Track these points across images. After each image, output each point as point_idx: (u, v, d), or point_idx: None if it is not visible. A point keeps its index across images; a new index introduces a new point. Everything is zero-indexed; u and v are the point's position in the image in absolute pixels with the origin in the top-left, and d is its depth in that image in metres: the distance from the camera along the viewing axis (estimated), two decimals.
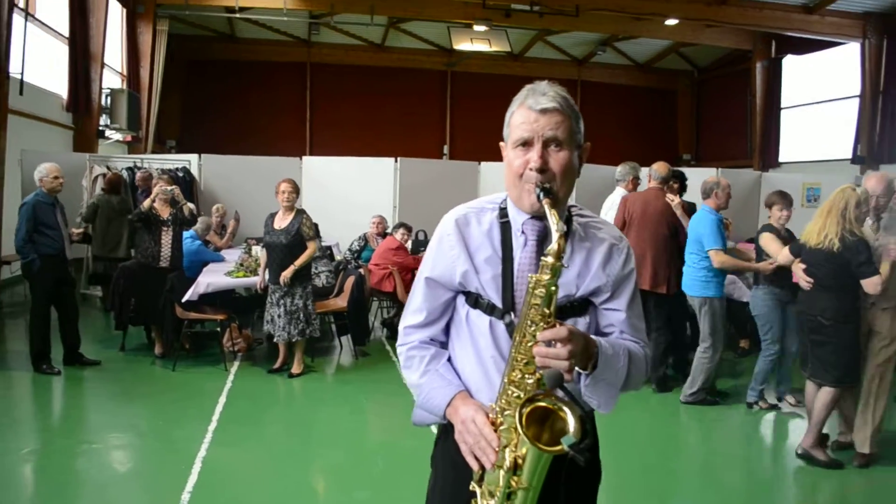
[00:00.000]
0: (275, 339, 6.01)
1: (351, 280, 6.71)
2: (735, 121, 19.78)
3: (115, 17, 13.04)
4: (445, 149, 20.46)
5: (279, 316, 5.86)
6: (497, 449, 1.43)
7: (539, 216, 1.59)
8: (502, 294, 1.59)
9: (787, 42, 17.14)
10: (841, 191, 4.30)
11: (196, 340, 6.88)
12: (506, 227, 1.63)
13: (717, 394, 5.73)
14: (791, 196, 5.46)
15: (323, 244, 8.22)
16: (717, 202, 5.47)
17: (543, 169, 1.52)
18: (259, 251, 6.75)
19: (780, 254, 4.93)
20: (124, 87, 13.41)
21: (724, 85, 20.98)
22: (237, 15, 14.71)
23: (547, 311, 1.41)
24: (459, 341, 1.68)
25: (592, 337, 1.52)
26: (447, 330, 1.73)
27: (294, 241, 5.76)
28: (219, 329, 6.60)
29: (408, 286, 7.14)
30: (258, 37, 18.17)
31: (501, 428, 1.45)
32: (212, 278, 6.31)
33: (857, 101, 15.65)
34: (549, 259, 1.41)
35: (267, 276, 6.02)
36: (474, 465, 1.49)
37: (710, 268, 5.36)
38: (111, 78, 13.32)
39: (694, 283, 5.49)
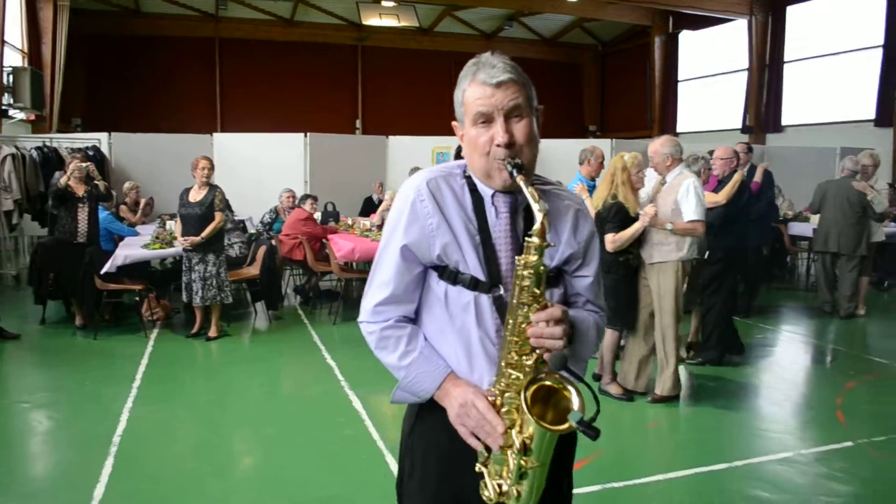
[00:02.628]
0: (192, 304, 6.40)
1: (262, 250, 7.16)
2: (637, 93, 20.74)
3: None
4: (358, 123, 20.69)
5: (194, 281, 6.30)
6: (503, 432, 1.44)
7: (508, 190, 1.57)
8: (486, 267, 1.55)
9: (684, 18, 18.08)
10: (614, 158, 4.93)
11: (116, 311, 7.20)
12: (477, 197, 1.59)
13: None
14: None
15: (236, 218, 8.62)
16: (589, 170, 5.93)
17: (510, 143, 1.50)
18: (172, 224, 7.12)
19: None
20: (26, 64, 13.17)
21: (626, 59, 21.92)
22: None
23: (537, 292, 1.42)
24: (436, 321, 1.62)
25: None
26: (416, 309, 1.67)
27: (207, 212, 6.21)
28: (137, 299, 6.92)
29: (316, 254, 7.64)
30: (164, 11, 17.84)
31: (503, 410, 1.46)
32: (129, 251, 6.65)
33: (745, 74, 16.79)
34: (535, 239, 1.41)
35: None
36: (478, 446, 1.49)
37: None
38: (12, 56, 13.02)
39: None
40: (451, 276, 1.56)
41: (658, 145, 4.89)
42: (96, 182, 6.68)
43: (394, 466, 3.76)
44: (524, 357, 1.43)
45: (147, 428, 4.39)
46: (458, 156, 6.50)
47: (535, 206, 1.41)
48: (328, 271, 7.70)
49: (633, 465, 3.79)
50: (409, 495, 1.70)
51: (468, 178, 1.60)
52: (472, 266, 1.55)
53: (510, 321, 1.44)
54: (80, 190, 6.54)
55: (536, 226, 1.41)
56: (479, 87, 1.52)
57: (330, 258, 7.43)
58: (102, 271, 6.36)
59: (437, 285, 1.59)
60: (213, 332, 6.46)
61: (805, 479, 3.68)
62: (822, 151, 13.14)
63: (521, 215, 1.58)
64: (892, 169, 13.37)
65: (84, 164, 6.63)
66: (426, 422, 1.64)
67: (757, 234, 7.11)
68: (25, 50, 13.58)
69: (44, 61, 13.61)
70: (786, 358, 6.17)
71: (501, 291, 1.53)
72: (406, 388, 1.62)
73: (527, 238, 1.42)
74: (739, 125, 16.90)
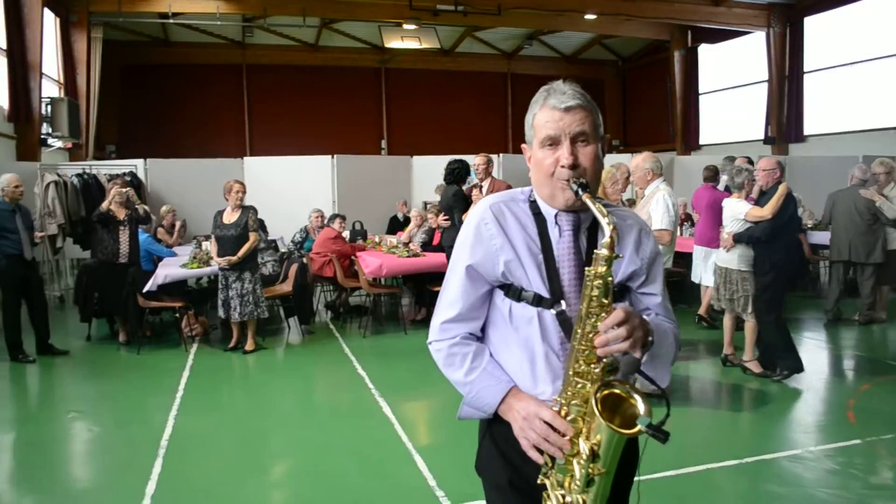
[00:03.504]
0: (230, 320, 6.73)
1: (294, 267, 7.48)
2: (658, 107, 20.93)
3: (50, 27, 13.31)
4: (383, 143, 21.09)
5: (232, 298, 6.62)
6: (571, 438, 1.47)
7: (571, 210, 1.62)
8: (549, 284, 1.60)
9: (702, 32, 18.23)
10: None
11: (156, 328, 7.54)
12: (540, 219, 1.65)
13: None
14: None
15: (269, 238, 8.98)
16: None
17: (575, 165, 1.56)
18: (208, 245, 7.48)
19: None
20: (62, 94, 13.71)
21: (646, 73, 22.12)
22: (170, 20, 15.12)
23: (605, 302, 1.45)
24: (501, 337, 1.67)
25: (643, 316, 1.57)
26: (483, 327, 1.73)
27: (243, 233, 6.55)
28: (177, 315, 7.27)
29: (346, 271, 7.95)
30: (192, 40, 18.45)
31: (569, 418, 1.48)
32: (169, 270, 7.01)
33: (765, 85, 16.90)
34: (604, 251, 1.45)
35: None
36: (539, 460, 1.52)
37: None
38: (49, 86, 13.59)
39: None
40: (516, 293, 1.62)
41: (639, 160, 5.30)
42: (136, 206, 7.05)
43: (423, 466, 4.02)
44: (592, 366, 1.46)
45: (192, 432, 4.69)
46: (453, 175, 6.82)
47: (603, 221, 1.47)
48: (357, 287, 8.00)
49: (645, 462, 3.98)
50: None
51: (532, 203, 1.67)
52: (535, 283, 1.61)
53: (578, 331, 1.47)
54: (121, 214, 6.92)
55: (605, 238, 1.45)
56: (549, 111, 1.59)
57: (359, 274, 7.73)
58: (144, 290, 6.72)
59: (503, 303, 1.65)
60: (249, 346, 6.77)
61: (811, 475, 3.86)
62: (843, 160, 13.19)
63: (584, 234, 1.63)
64: None
65: (124, 190, 7.01)
66: (497, 438, 1.69)
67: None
68: (61, 80, 14.14)
69: (79, 91, 14.16)
70: (804, 363, 6.31)
71: (564, 307, 1.58)
72: (471, 403, 1.67)
73: (595, 251, 1.47)
74: (762, 136, 17.00)
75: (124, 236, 6.95)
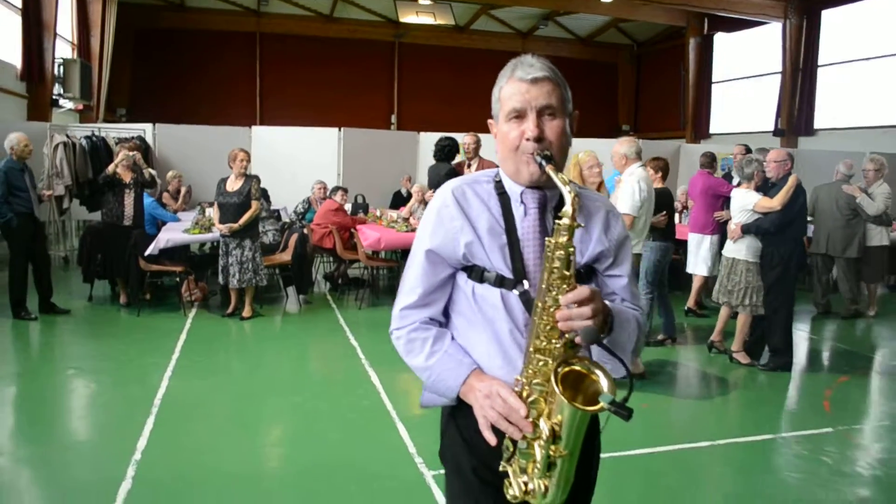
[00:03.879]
0: (229, 286, 6.87)
1: (294, 237, 7.60)
2: (671, 94, 20.79)
3: None
4: (393, 118, 21.11)
5: (231, 265, 6.75)
6: (526, 415, 1.42)
7: (536, 186, 1.58)
8: (511, 264, 1.56)
9: (719, 20, 18.11)
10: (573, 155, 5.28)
11: (157, 292, 7.69)
12: (504, 199, 1.61)
13: None
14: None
15: (271, 207, 9.09)
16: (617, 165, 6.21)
17: (540, 138, 1.52)
18: (211, 212, 7.59)
19: None
20: (75, 56, 13.79)
21: (661, 59, 21.99)
22: None
23: (567, 274, 1.41)
24: (467, 320, 1.63)
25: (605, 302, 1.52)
26: (444, 312, 1.69)
27: (245, 201, 6.67)
28: (178, 280, 7.40)
29: (345, 243, 8.06)
30: (208, 6, 18.47)
31: (531, 399, 1.43)
32: (171, 235, 7.14)
33: (778, 77, 16.83)
34: (565, 221, 1.41)
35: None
36: (492, 440, 1.47)
37: None
38: (63, 47, 13.66)
39: None
40: (478, 274, 1.58)
41: (617, 146, 5.39)
42: (143, 170, 7.17)
43: (405, 434, 4.15)
44: (553, 341, 1.41)
45: (185, 393, 4.83)
46: (443, 153, 6.81)
47: (564, 189, 1.43)
48: (356, 259, 8.12)
49: (619, 440, 4.08)
50: (454, 499, 1.71)
51: (498, 182, 1.63)
52: (497, 264, 1.56)
53: (539, 305, 1.43)
54: (128, 177, 7.03)
55: (566, 207, 1.42)
56: (516, 83, 1.55)
57: (357, 247, 7.84)
58: (146, 253, 6.85)
59: (466, 284, 1.61)
60: (246, 313, 6.91)
61: (780, 459, 3.98)
62: (850, 156, 13.17)
63: (550, 213, 1.59)
64: None
65: (131, 153, 7.12)
66: (459, 423, 1.66)
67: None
68: (75, 42, 14.21)
69: (92, 53, 14.23)
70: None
71: (527, 287, 1.53)
72: (432, 388, 1.64)
73: (557, 221, 1.43)
74: (772, 128, 16.95)
75: (129, 199, 7.07)
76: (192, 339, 6.19)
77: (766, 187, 5.81)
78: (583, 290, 1.38)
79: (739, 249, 5.72)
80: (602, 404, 1.32)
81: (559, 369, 1.38)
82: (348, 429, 4.32)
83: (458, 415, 1.64)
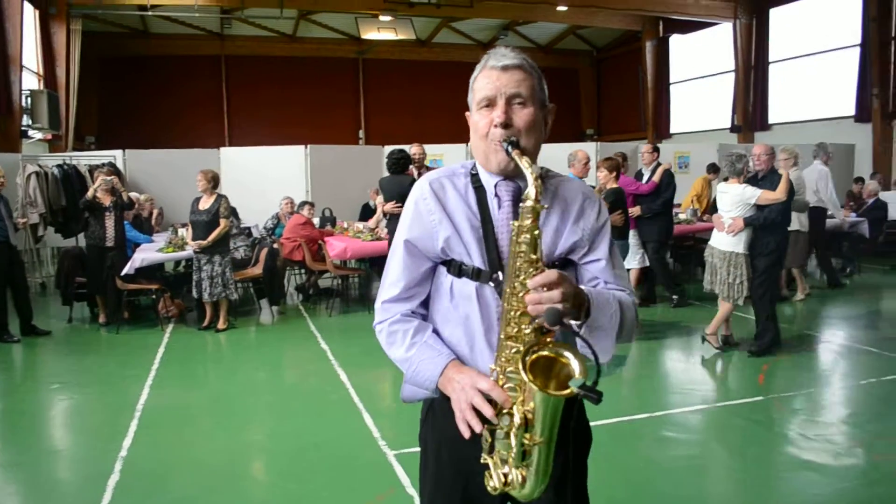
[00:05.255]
0: (202, 299, 7.21)
1: (265, 251, 7.95)
2: (631, 96, 21.39)
3: (29, 19, 13.47)
4: (361, 132, 21.46)
5: (203, 280, 7.10)
6: (499, 411, 1.41)
7: (510, 176, 1.58)
8: (487, 255, 1.57)
9: (673, 22, 18.75)
10: None
11: (134, 311, 7.98)
12: (480, 192, 1.61)
13: None
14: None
15: (242, 225, 9.42)
16: (577, 171, 6.42)
17: (507, 124, 1.51)
18: (183, 232, 7.93)
19: None
20: (42, 86, 13.98)
21: (620, 63, 22.57)
22: (149, 13, 15.39)
23: (534, 257, 1.40)
24: (443, 314, 1.65)
25: (580, 286, 1.51)
26: (425, 304, 1.70)
27: (213, 219, 7.02)
28: (154, 297, 7.70)
29: (314, 255, 8.40)
30: (171, 31, 18.68)
31: (507, 387, 1.42)
32: (146, 254, 7.46)
33: (733, 75, 17.42)
34: (528, 203, 1.40)
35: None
36: (466, 433, 1.45)
37: None
38: (28, 78, 13.80)
39: None
40: (456, 268, 1.59)
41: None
42: (121, 193, 7.48)
43: (370, 422, 4.51)
44: (523, 327, 1.41)
45: (166, 399, 5.16)
46: (398, 165, 7.06)
47: (527, 172, 1.43)
48: (325, 270, 8.46)
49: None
50: (426, 486, 1.74)
51: (474, 175, 1.64)
52: (475, 257, 1.58)
53: (507, 290, 1.43)
54: (107, 200, 7.33)
55: (529, 189, 1.41)
56: (487, 71, 1.55)
57: (326, 257, 8.18)
58: (122, 273, 7.15)
59: (445, 279, 1.63)
60: (221, 325, 7.23)
61: (710, 424, 4.41)
62: (802, 148, 13.69)
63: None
64: (873, 162, 13.99)
65: (109, 178, 7.43)
66: (438, 413, 1.66)
67: (656, 230, 7.56)
68: (41, 73, 14.38)
69: (58, 83, 14.36)
70: (734, 334, 6.82)
71: (501, 277, 1.52)
72: (411, 380, 1.63)
73: (521, 203, 1.43)
74: (729, 125, 17.53)
75: (110, 221, 7.37)
76: (171, 352, 6.50)
77: (754, 181, 5.92)
78: (550, 274, 1.37)
79: (738, 243, 5.73)
80: (572, 388, 1.30)
81: (527, 357, 1.36)
82: (318, 420, 4.68)
83: (437, 405, 1.66)
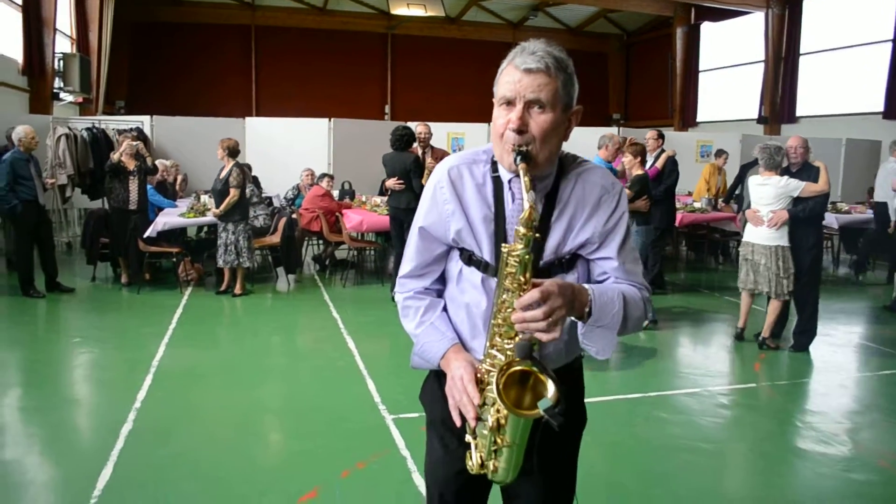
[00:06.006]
0: (218, 265, 7.47)
1: (283, 221, 8.13)
2: (660, 82, 21.23)
3: None
4: (387, 108, 21.57)
5: (220, 246, 7.33)
6: (477, 406, 1.48)
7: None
8: (495, 252, 1.58)
9: (705, 9, 18.54)
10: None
11: (155, 273, 8.23)
12: (497, 183, 1.62)
13: None
14: None
15: (264, 194, 9.61)
16: (607, 154, 6.51)
17: (522, 130, 1.50)
18: (206, 198, 8.16)
19: None
20: (74, 50, 14.23)
21: (650, 48, 22.42)
22: None
23: (522, 280, 1.42)
24: (450, 296, 1.72)
25: (584, 285, 1.53)
26: (441, 279, 1.75)
27: (224, 188, 7.25)
28: (174, 260, 7.93)
29: (332, 226, 8.58)
30: (203, 0, 18.96)
31: (488, 388, 1.47)
32: (168, 218, 7.69)
33: (762, 65, 17.28)
34: (521, 229, 1.42)
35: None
36: (458, 421, 1.55)
37: None
38: (62, 42, 14.06)
39: None
40: (466, 257, 1.64)
41: None
42: (145, 158, 7.69)
43: (372, 388, 4.70)
44: (507, 341, 1.46)
45: (180, 357, 5.38)
46: (402, 142, 7.14)
47: (525, 196, 1.42)
48: (341, 241, 8.65)
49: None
50: (426, 454, 1.83)
51: (494, 163, 1.64)
52: (486, 250, 1.60)
53: (495, 304, 1.47)
54: (131, 165, 7.55)
55: (523, 214, 1.42)
56: (512, 70, 1.53)
57: (342, 229, 8.36)
58: (145, 235, 7.38)
59: (455, 263, 1.68)
60: (237, 290, 7.45)
61: (702, 406, 4.53)
62: (826, 142, 13.67)
63: (540, 201, 1.59)
64: None
65: (135, 143, 7.64)
66: (439, 381, 1.73)
67: (657, 218, 7.36)
68: (74, 37, 14.64)
69: (91, 47, 14.62)
70: (728, 323, 6.88)
71: None
72: (419, 354, 1.72)
73: (516, 228, 1.43)
74: (756, 115, 17.40)
75: (134, 185, 7.59)
76: (188, 313, 6.73)
77: (787, 174, 5.76)
78: (532, 294, 1.39)
79: (783, 236, 5.61)
80: (538, 410, 1.35)
81: (502, 376, 1.42)
82: (323, 383, 4.89)
83: (436, 378, 1.75)
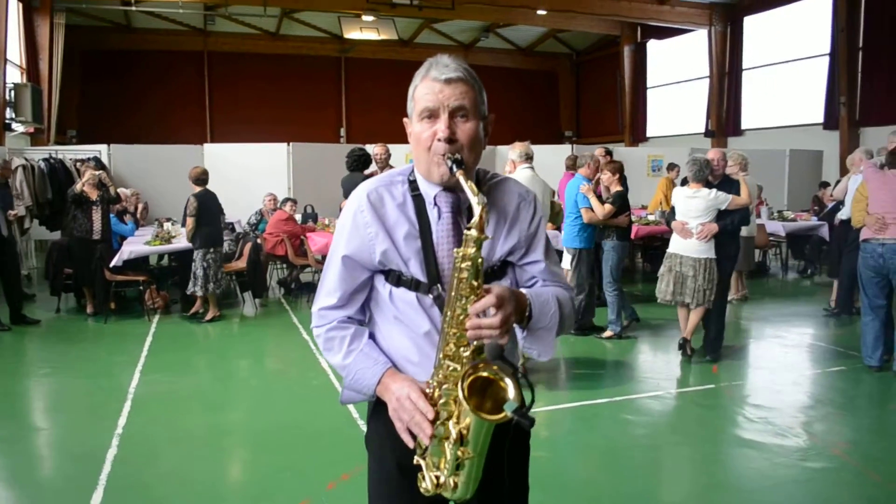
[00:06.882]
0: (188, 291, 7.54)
1: (248, 246, 8.22)
2: (609, 99, 21.81)
3: (13, 12, 13.49)
4: (342, 131, 21.69)
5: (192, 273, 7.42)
6: (432, 422, 1.45)
7: (450, 188, 1.59)
8: (426, 268, 1.58)
9: (651, 28, 19.14)
10: None
11: (120, 302, 8.23)
12: (419, 200, 1.61)
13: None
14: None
15: (227, 220, 9.66)
16: (588, 172, 6.68)
17: (452, 139, 1.51)
18: (168, 225, 8.22)
19: None
20: (25, 80, 14.08)
21: (599, 67, 22.95)
22: (133, 7, 15.52)
23: (475, 284, 1.42)
24: (387, 320, 1.66)
25: (520, 290, 1.56)
26: (363, 308, 1.70)
27: (184, 218, 7.36)
28: (141, 288, 7.95)
29: (296, 250, 8.68)
30: (155, 27, 18.81)
31: (441, 402, 1.45)
32: (133, 247, 7.73)
33: (707, 80, 17.90)
34: (473, 232, 1.42)
35: None
36: (410, 443, 1.50)
37: (583, 224, 6.44)
38: (12, 72, 13.90)
39: (569, 237, 6.57)
40: (395, 278, 1.61)
41: (510, 150, 6.00)
42: (108, 187, 7.72)
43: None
44: (462, 349, 1.44)
45: (156, 383, 5.43)
46: (357, 163, 7.24)
47: (473, 200, 1.44)
48: (307, 264, 8.76)
49: (536, 398, 4.81)
50: (373, 483, 1.74)
51: (412, 182, 1.64)
52: (413, 268, 1.59)
53: (448, 313, 1.45)
54: (94, 194, 7.57)
55: (475, 218, 1.42)
56: (430, 82, 1.54)
57: (308, 253, 8.48)
58: (111, 264, 7.40)
59: (384, 287, 1.63)
60: (209, 315, 7.51)
61: (663, 408, 4.80)
62: (771, 153, 14.25)
63: (464, 215, 1.60)
64: (840, 168, 14.48)
65: (97, 173, 7.67)
66: (380, 419, 1.64)
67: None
68: (24, 66, 14.44)
69: (41, 76, 14.43)
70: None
71: (440, 291, 1.55)
72: (350, 386, 1.66)
73: (465, 231, 1.43)
74: (703, 129, 17.98)
75: (97, 215, 7.60)
76: (158, 341, 6.76)
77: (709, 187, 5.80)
78: (489, 300, 1.41)
79: (710, 248, 5.64)
80: (506, 413, 1.35)
81: (465, 381, 1.40)
82: (300, 402, 5.02)
83: (381, 408, 1.64)
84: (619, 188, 6.66)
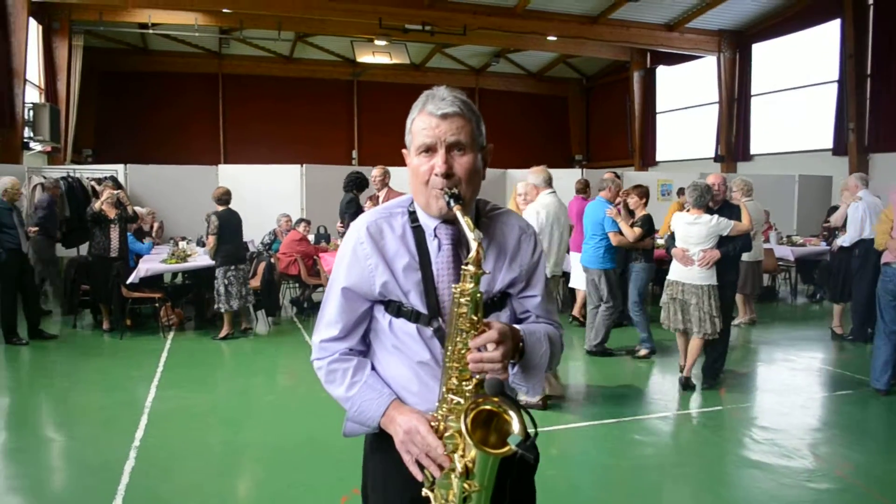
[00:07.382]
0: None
1: (262, 265, 8.34)
2: (619, 124, 21.91)
3: (32, 34, 13.75)
4: (354, 153, 21.91)
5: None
6: (447, 456, 1.45)
7: (449, 220, 1.60)
8: (426, 300, 1.58)
9: (660, 54, 19.31)
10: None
11: (136, 319, 8.35)
12: (419, 232, 1.62)
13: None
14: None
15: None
16: (609, 195, 6.78)
17: (449, 174, 1.53)
18: (184, 244, 8.36)
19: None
20: (43, 99, 14.35)
21: (609, 92, 23.09)
22: (150, 30, 15.82)
23: (475, 318, 1.44)
24: (386, 350, 1.66)
25: (515, 326, 1.56)
26: (364, 339, 1.70)
27: (206, 235, 7.55)
28: (157, 306, 8.07)
29: (309, 269, 8.81)
30: (170, 49, 19.14)
31: (446, 435, 1.46)
32: (150, 264, 7.87)
33: (716, 106, 18.00)
34: (471, 268, 1.44)
35: None
36: (418, 475, 1.50)
37: (608, 246, 6.64)
38: (30, 92, 14.12)
39: (594, 258, 6.73)
40: (395, 309, 1.61)
41: (530, 175, 6.03)
42: (125, 206, 7.88)
43: None
44: (464, 383, 1.46)
45: (172, 399, 5.54)
46: (353, 184, 7.25)
47: (469, 235, 1.45)
48: (319, 284, 8.87)
49: (548, 417, 4.89)
50: None
51: (412, 213, 1.65)
52: (413, 300, 1.59)
53: (449, 347, 1.46)
54: (112, 213, 7.73)
55: (472, 254, 1.44)
56: (427, 117, 1.56)
57: (320, 272, 8.60)
58: (128, 281, 7.53)
59: (384, 318, 1.64)
60: (222, 333, 7.64)
61: (671, 428, 4.86)
62: (781, 179, 14.33)
63: (464, 246, 1.59)
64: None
65: (116, 192, 7.83)
66: (384, 446, 1.63)
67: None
68: (42, 86, 14.73)
69: (59, 96, 14.71)
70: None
71: (441, 323, 1.56)
72: (354, 419, 1.65)
73: (463, 267, 1.45)
74: (713, 154, 18.08)
75: (115, 233, 7.77)
76: (174, 357, 6.88)
77: (710, 212, 5.72)
78: (490, 335, 1.43)
79: (712, 275, 5.52)
80: (510, 447, 1.36)
81: (469, 414, 1.41)
82: (314, 418, 5.09)
83: (385, 444, 1.62)
84: (644, 212, 6.83)
